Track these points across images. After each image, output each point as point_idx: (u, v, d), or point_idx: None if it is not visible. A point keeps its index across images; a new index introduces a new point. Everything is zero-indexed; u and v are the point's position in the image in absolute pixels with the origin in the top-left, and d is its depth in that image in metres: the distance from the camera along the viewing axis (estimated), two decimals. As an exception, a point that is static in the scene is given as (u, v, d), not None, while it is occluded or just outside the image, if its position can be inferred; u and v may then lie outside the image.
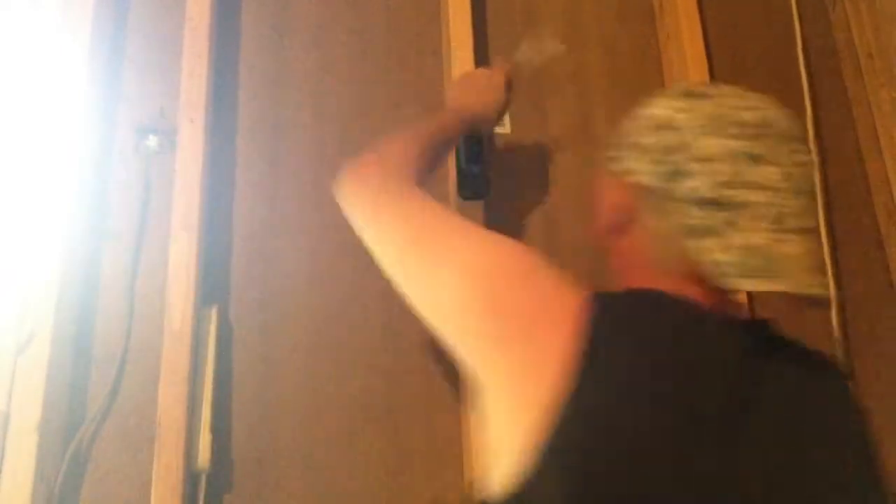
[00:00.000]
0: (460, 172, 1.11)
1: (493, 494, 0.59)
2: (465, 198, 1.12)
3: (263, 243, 1.12)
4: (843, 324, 1.22)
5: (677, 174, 0.65)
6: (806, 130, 0.69)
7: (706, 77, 1.23)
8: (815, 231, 0.66)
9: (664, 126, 0.67)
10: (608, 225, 0.73)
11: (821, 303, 0.68)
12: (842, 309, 1.22)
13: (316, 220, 1.15)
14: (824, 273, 0.65)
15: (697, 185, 0.63)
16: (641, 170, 0.68)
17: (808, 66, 1.35)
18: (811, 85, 1.34)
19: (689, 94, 0.69)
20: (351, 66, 1.23)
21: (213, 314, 1.04)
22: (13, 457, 0.90)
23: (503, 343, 0.60)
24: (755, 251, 0.61)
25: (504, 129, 1.22)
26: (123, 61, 1.16)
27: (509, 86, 1.02)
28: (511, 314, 0.60)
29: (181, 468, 0.94)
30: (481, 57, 1.21)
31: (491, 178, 1.12)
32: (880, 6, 1.30)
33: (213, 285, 1.08)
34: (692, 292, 0.65)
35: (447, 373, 1.10)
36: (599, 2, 1.34)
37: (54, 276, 0.98)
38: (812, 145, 1.30)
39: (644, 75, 1.32)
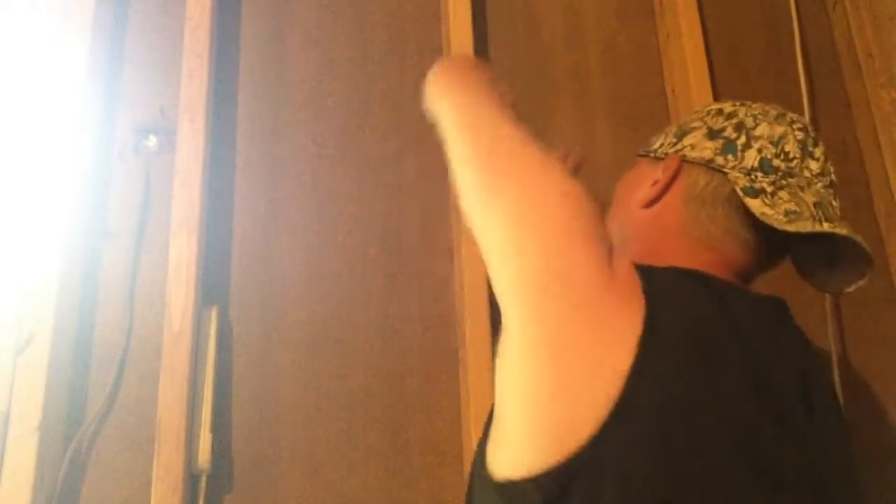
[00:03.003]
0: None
1: (523, 468, 0.55)
2: (466, 198, 1.12)
3: (263, 243, 1.12)
4: (844, 324, 1.22)
5: (737, 148, 0.73)
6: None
7: (706, 77, 1.23)
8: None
9: (726, 114, 0.77)
10: (645, 199, 0.77)
11: (847, 280, 0.75)
12: (842, 309, 1.23)
13: (316, 220, 1.15)
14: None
15: (754, 155, 0.72)
16: (702, 146, 0.75)
17: (807, 66, 1.35)
18: (811, 85, 1.34)
19: (740, 101, 0.79)
20: (351, 66, 1.23)
21: (213, 314, 1.04)
22: (13, 457, 0.90)
23: (565, 307, 0.57)
24: (806, 204, 0.69)
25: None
26: (123, 61, 1.17)
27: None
28: (571, 278, 0.58)
29: (181, 468, 0.94)
30: (481, 57, 1.21)
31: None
32: (880, 6, 1.30)
33: (213, 285, 1.08)
34: (719, 270, 0.69)
35: (447, 372, 1.10)
36: (599, 2, 1.34)
37: (54, 276, 0.98)
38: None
39: (644, 75, 1.32)
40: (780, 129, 0.74)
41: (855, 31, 1.35)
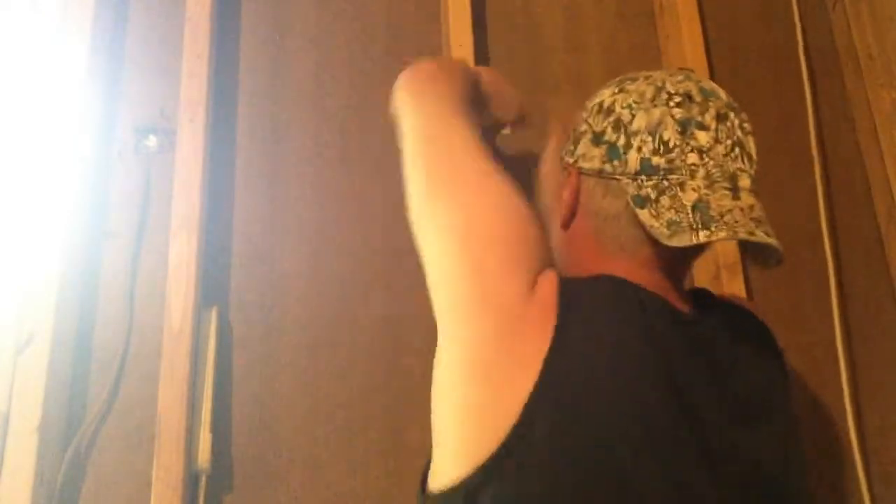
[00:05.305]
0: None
1: (449, 481, 0.59)
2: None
3: (263, 243, 1.12)
4: (844, 324, 1.22)
5: (619, 151, 0.70)
6: (737, 103, 0.72)
7: (706, 77, 1.22)
8: (751, 191, 0.68)
9: (605, 109, 0.74)
10: (562, 221, 0.76)
11: (767, 259, 0.69)
12: (843, 309, 1.23)
13: (316, 220, 1.15)
14: (766, 225, 0.65)
15: (635, 157, 0.69)
16: (591, 154, 0.73)
17: (809, 66, 1.35)
18: (814, 85, 1.34)
19: (622, 80, 0.76)
20: (351, 66, 1.23)
21: (213, 314, 1.04)
22: (13, 457, 0.90)
23: (483, 331, 0.60)
24: (685, 211, 0.65)
25: (503, 129, 1.21)
26: (123, 61, 1.17)
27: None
28: (496, 300, 0.61)
29: (181, 468, 0.94)
30: (481, 57, 1.21)
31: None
32: (880, 6, 1.30)
33: (213, 285, 1.08)
34: (642, 275, 0.69)
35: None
36: (599, 2, 1.34)
37: (54, 276, 0.98)
38: (813, 145, 1.30)
39: (644, 75, 1.31)
40: (656, 115, 0.70)
41: (855, 31, 1.35)
